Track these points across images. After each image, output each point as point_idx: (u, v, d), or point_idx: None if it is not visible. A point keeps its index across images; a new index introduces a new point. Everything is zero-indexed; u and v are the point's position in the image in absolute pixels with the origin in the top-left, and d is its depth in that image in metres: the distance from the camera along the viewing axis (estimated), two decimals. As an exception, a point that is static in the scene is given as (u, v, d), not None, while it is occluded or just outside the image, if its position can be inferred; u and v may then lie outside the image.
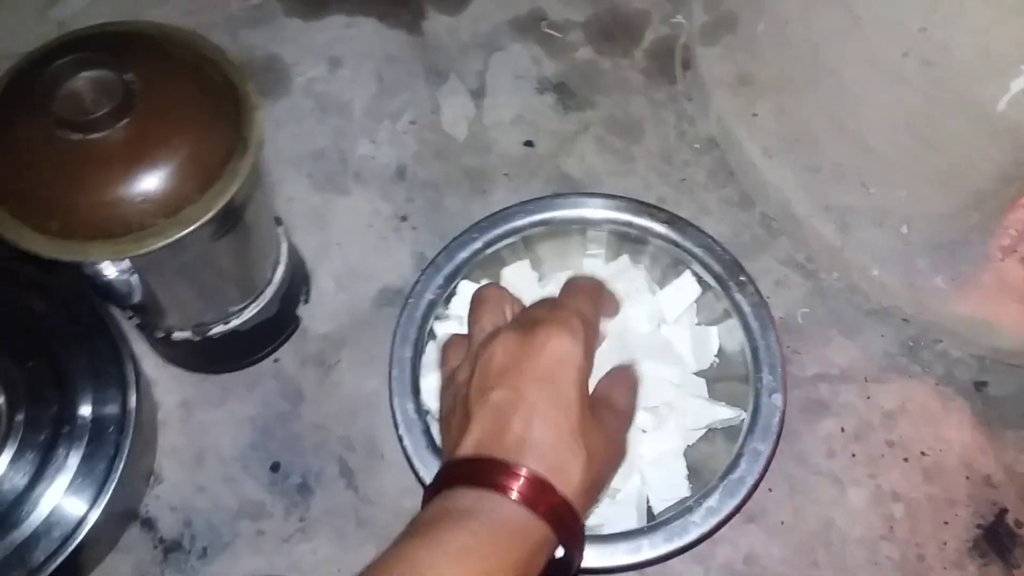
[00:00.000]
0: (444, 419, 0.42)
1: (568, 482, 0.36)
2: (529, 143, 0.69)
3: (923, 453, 0.57)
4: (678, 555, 0.45)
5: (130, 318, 0.55)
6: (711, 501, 0.46)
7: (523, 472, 0.35)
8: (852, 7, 0.52)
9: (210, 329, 0.54)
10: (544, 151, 0.68)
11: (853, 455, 0.56)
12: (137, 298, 0.49)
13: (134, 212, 0.40)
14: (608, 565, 0.45)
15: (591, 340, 0.40)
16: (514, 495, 0.34)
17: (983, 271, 0.57)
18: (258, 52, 0.72)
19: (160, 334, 0.54)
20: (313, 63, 0.72)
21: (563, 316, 0.39)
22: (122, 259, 0.41)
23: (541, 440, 0.36)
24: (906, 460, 0.56)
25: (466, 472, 0.36)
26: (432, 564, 0.32)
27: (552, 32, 0.74)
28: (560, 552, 0.36)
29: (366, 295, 0.62)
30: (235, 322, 0.54)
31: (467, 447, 0.37)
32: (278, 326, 0.59)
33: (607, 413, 0.40)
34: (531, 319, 0.40)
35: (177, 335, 0.54)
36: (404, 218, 0.65)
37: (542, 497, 0.35)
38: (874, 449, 0.57)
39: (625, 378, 0.43)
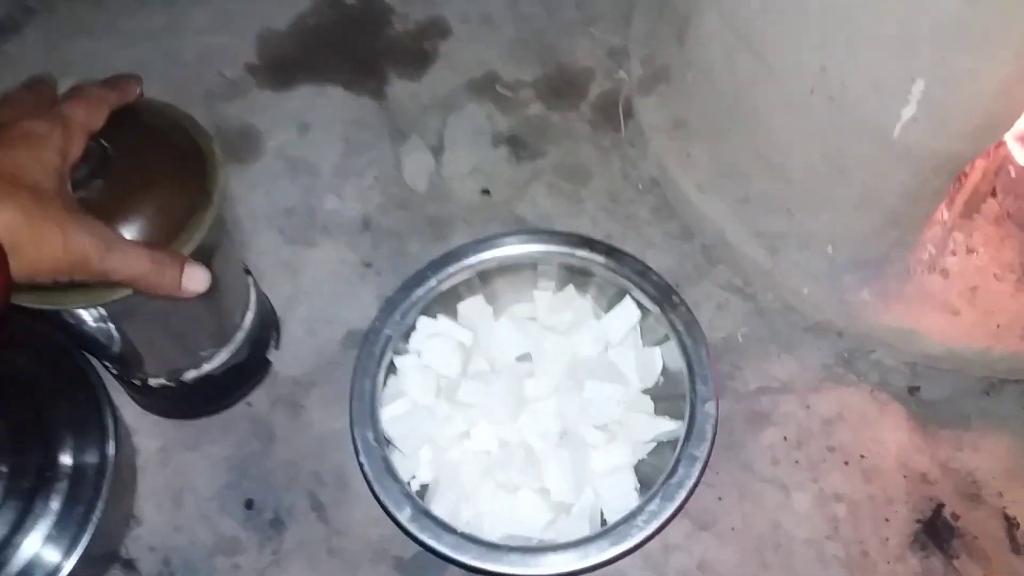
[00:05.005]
0: None
1: None
2: (486, 191, 0.73)
3: (862, 456, 0.60)
4: (624, 557, 0.48)
5: (109, 368, 0.58)
6: (652, 506, 0.49)
7: None
8: (762, 54, 0.58)
9: (184, 374, 0.57)
10: (499, 198, 0.73)
11: (796, 461, 0.60)
12: (115, 347, 0.53)
13: (107, 261, 0.44)
14: (561, 571, 0.48)
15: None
16: None
17: (906, 284, 0.62)
18: (234, 122, 0.77)
19: (137, 381, 0.58)
20: (284, 129, 0.77)
21: None
22: (95, 306, 0.45)
23: None
24: (846, 463, 0.60)
25: None
26: None
27: (505, 92, 0.79)
28: None
29: (334, 338, 0.66)
30: (207, 367, 0.58)
31: None
32: (249, 370, 0.62)
33: None
34: None
35: (153, 381, 0.57)
36: (369, 264, 0.69)
37: None
38: (815, 455, 0.60)
39: None
